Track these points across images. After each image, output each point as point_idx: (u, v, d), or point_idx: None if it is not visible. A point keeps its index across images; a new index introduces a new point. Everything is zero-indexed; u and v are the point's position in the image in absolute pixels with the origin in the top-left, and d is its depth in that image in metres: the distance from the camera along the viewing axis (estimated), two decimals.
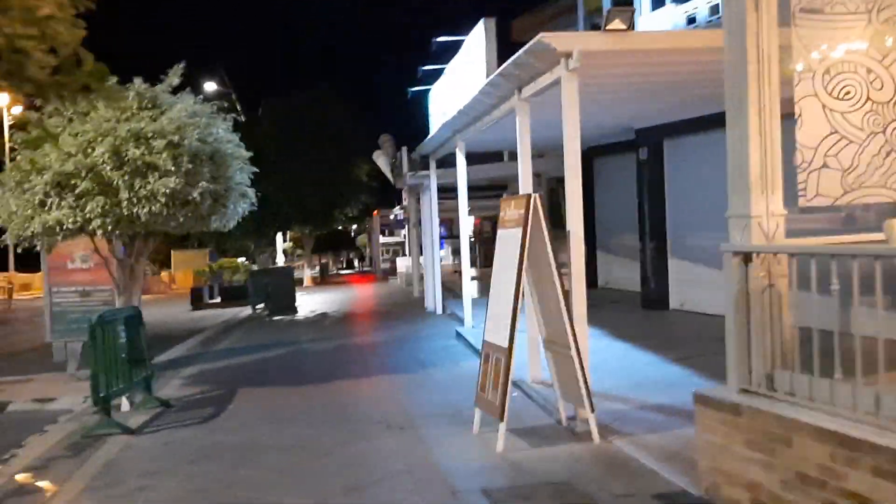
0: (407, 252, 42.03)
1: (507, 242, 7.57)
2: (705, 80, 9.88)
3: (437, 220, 19.01)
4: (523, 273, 7.19)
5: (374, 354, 13.74)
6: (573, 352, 7.16)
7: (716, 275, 15.34)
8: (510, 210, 7.64)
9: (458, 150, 14.63)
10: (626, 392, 8.71)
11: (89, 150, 9.51)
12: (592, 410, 7.10)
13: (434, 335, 15.36)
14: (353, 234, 63.37)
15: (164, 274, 43.10)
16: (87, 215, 9.39)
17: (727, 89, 5.42)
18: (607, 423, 7.45)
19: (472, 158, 18.30)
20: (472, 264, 27.45)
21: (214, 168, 10.21)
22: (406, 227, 42.62)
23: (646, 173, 16.17)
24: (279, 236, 34.04)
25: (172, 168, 9.47)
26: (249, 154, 11.02)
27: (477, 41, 11.68)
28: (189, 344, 16.15)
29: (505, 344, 7.14)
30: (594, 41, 7.91)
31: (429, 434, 7.86)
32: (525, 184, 10.05)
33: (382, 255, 47.97)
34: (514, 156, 25.08)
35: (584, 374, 7.14)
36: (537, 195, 7.43)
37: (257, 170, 11.31)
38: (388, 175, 42.44)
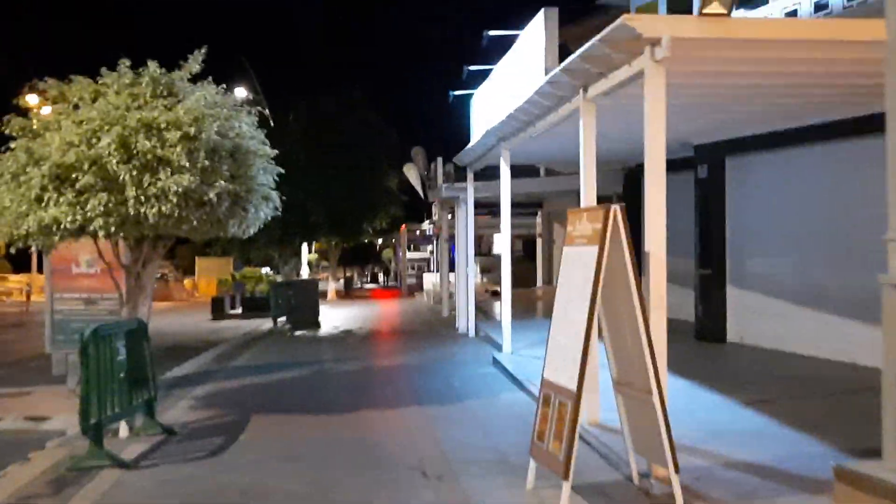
0: (434, 268, 40.85)
1: (576, 262, 6.31)
2: (806, 85, 8.60)
3: (472, 236, 17.77)
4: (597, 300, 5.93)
5: (403, 380, 12.50)
6: (655, 398, 5.87)
7: (781, 306, 14.08)
8: (581, 224, 6.38)
9: (502, 160, 13.41)
10: (702, 443, 7.39)
11: (94, 141, 8.34)
12: (677, 470, 5.79)
13: (468, 361, 14.09)
14: (378, 247, 62.29)
15: (187, 281, 42.34)
16: (89, 214, 8.20)
17: (889, 88, 4.16)
18: (687, 482, 6.13)
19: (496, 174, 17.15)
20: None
21: (235, 166, 9.02)
22: (434, 242, 41.43)
23: (704, 193, 14.84)
24: (304, 246, 32.93)
25: (187, 164, 8.28)
26: (275, 152, 9.81)
27: (534, 35, 10.43)
28: (204, 358, 15.00)
29: (572, 386, 5.87)
30: (688, 27, 6.64)
31: (472, 487, 6.59)
32: (588, 197, 8.81)
33: (408, 270, 46.80)
34: (550, 171, 23.86)
35: (667, 426, 5.84)
36: (619, 206, 6.18)
37: (283, 171, 10.11)
38: (418, 188, 41.46)
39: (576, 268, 6.28)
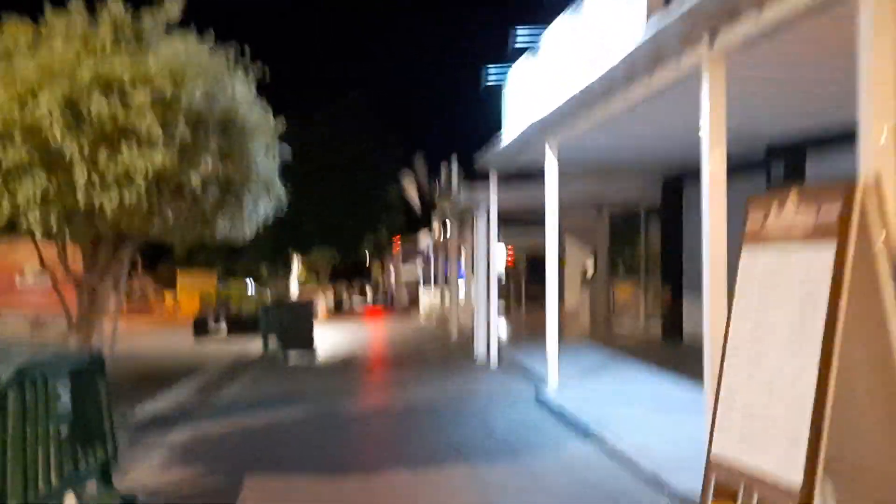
0: (432, 284, 38.40)
1: (780, 274, 3.95)
2: None
3: (495, 248, 15.40)
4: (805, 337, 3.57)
5: (430, 425, 10.04)
6: None
7: None
8: (789, 211, 4.02)
9: (548, 156, 11.07)
10: None
11: (30, 102, 5.96)
12: None
13: (502, 399, 11.67)
14: (367, 263, 59.68)
15: (167, 297, 39.83)
16: (20, 203, 5.81)
17: None
18: None
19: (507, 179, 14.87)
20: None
21: (226, 142, 6.65)
22: (433, 257, 38.99)
23: None
24: (295, 260, 30.47)
25: (160, 136, 5.91)
26: (281, 129, 7.43)
27: None
28: (184, 389, 12.53)
29: (792, 477, 3.51)
30: None
31: None
32: (716, 186, 6.46)
33: (403, 287, 44.39)
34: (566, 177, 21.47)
35: None
36: (870, 181, 3.84)
37: (288, 154, 7.74)
38: (414, 202, 39.12)
39: (779, 283, 3.93)
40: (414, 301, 40.10)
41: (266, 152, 7.25)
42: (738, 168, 14.57)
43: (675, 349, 15.61)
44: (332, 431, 9.54)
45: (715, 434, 4.15)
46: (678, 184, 16.84)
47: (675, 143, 12.03)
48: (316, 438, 9.07)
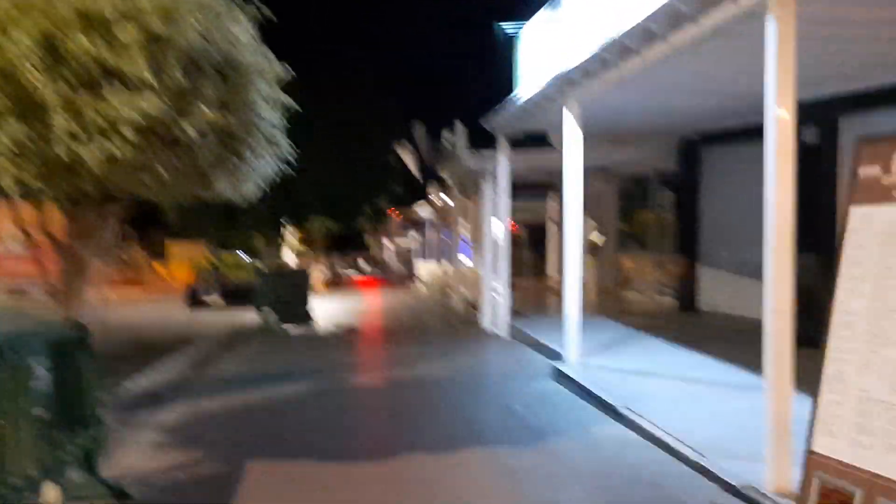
0: (432, 255, 37.67)
1: None
2: None
3: (506, 215, 14.66)
4: None
5: (443, 401, 9.36)
6: None
7: None
8: None
9: (566, 117, 10.30)
10: None
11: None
12: None
13: (516, 372, 11.02)
14: (362, 234, 58.72)
15: (159, 267, 38.99)
16: None
17: None
18: None
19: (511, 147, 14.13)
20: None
21: (226, 89, 5.89)
22: (430, 227, 38.22)
23: (811, 163, 11.80)
24: (289, 230, 29.57)
25: (151, 80, 5.16)
26: (288, 76, 6.66)
27: None
28: (178, 362, 11.84)
29: None
30: None
31: None
32: (784, 145, 5.72)
33: (401, 258, 43.72)
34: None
35: None
36: None
37: (294, 105, 6.97)
38: (414, 170, 38.24)
39: None
40: (412, 272, 39.39)
41: (270, 103, 6.50)
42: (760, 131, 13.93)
43: (693, 322, 14.95)
44: (338, 410, 8.86)
45: (817, 426, 3.46)
46: (695, 148, 16.09)
47: (705, 100, 11.32)
48: (320, 418, 8.38)
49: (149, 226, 34.67)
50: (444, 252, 29.73)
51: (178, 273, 35.56)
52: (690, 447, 6.38)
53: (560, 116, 10.76)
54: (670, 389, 8.74)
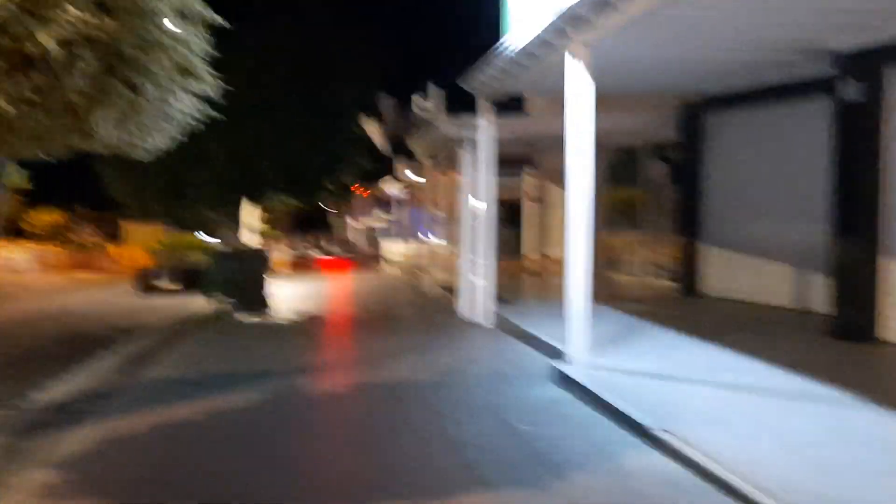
0: (400, 233, 35.81)
1: None
2: None
3: (490, 187, 12.83)
4: None
5: (424, 416, 7.49)
6: None
7: None
8: None
9: (572, 66, 8.47)
10: None
11: None
12: None
13: (508, 372, 9.25)
14: (326, 212, 56.58)
15: (112, 249, 36.90)
16: None
17: None
18: None
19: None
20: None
21: None
22: (398, 203, 36.33)
23: (849, 124, 10.10)
24: (246, 207, 27.47)
25: None
26: None
27: None
28: (107, 362, 9.96)
29: None
30: None
31: None
32: None
33: (366, 237, 41.87)
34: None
35: None
36: None
37: (225, 23, 5.07)
38: (380, 144, 36.22)
39: None
40: (379, 252, 37.61)
41: (183, 17, 4.61)
42: (792, 88, 12.20)
43: (700, 309, 13.28)
44: (291, 430, 7.03)
45: None
46: (698, 113, 14.39)
47: (728, 50, 9.61)
48: (270, 444, 6.53)
49: (102, 207, 32.54)
50: (413, 231, 27.93)
51: (132, 256, 33.64)
52: (772, 494, 4.67)
53: (555, 71, 9.03)
54: (708, 399, 7.04)
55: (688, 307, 13.46)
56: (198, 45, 4.90)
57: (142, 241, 32.22)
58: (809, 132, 11.67)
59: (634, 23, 7.71)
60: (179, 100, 4.79)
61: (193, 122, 5.10)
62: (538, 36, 8.90)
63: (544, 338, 10.21)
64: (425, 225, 22.43)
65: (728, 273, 13.79)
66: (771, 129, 12.85)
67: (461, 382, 8.78)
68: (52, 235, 38.51)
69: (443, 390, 8.43)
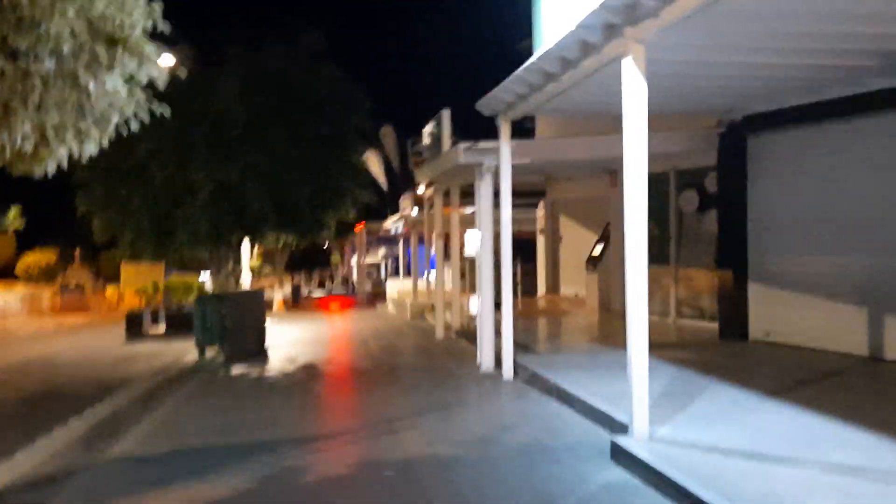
0: (403, 272, 34.20)
1: None
2: None
3: (509, 221, 11.26)
4: None
5: None
6: None
7: None
8: None
9: (626, 67, 6.93)
10: None
11: None
12: None
13: (546, 442, 7.59)
14: (327, 250, 55.10)
15: (109, 291, 35.54)
16: None
17: None
18: None
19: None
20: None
21: None
22: (401, 241, 34.76)
23: None
24: (246, 246, 25.93)
25: None
26: None
27: None
28: (71, 431, 8.44)
29: None
30: None
31: None
32: None
33: (367, 276, 40.26)
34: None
35: None
36: None
37: None
38: (381, 180, 34.87)
39: None
40: (379, 291, 36.09)
41: None
42: (858, 101, 10.65)
43: (757, 358, 11.59)
44: None
45: None
46: (740, 136, 12.89)
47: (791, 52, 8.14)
48: None
49: (101, 249, 31.10)
50: (419, 269, 26.41)
51: (129, 298, 32.30)
52: None
53: (596, 81, 7.59)
54: (827, 495, 5.38)
55: (738, 354, 11.82)
56: (141, 17, 3.37)
57: (139, 282, 30.85)
58: (857, 153, 10.29)
59: (688, 18, 6.24)
60: (115, 83, 3.26)
61: (135, 122, 3.59)
62: (579, 35, 7.38)
63: (582, 396, 8.61)
64: (432, 262, 20.89)
65: (781, 313, 12.19)
66: (829, 149, 11.36)
67: (495, 459, 7.14)
68: (46, 277, 37.17)
69: (471, 470, 6.79)
